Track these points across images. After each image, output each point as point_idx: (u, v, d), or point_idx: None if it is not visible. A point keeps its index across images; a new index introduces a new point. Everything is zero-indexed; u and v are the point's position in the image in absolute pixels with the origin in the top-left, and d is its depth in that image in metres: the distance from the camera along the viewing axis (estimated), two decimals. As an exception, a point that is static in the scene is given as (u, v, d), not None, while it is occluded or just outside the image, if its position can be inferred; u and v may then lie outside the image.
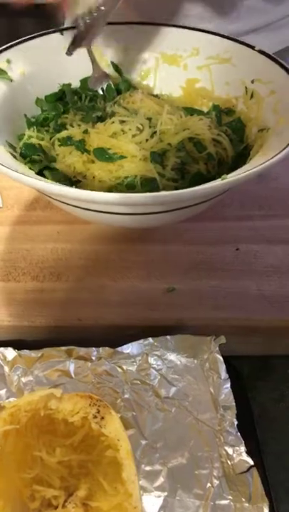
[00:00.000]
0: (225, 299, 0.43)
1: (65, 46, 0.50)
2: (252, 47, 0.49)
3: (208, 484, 0.34)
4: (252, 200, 0.53)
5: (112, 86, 0.52)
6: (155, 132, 0.44)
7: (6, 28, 0.96)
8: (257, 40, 0.60)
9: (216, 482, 0.34)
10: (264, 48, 0.49)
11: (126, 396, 0.38)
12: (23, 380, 0.38)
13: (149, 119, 0.46)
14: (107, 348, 0.40)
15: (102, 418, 0.33)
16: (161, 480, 0.34)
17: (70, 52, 0.47)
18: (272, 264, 0.46)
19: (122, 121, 0.45)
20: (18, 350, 0.39)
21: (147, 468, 0.34)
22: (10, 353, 0.39)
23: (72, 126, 0.46)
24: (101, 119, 0.47)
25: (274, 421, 0.40)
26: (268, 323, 0.42)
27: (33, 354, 0.39)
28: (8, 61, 0.48)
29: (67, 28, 0.52)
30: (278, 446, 0.38)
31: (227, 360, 0.39)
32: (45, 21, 0.51)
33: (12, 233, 0.50)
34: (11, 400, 0.37)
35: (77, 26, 0.44)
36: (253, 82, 0.48)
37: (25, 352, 0.39)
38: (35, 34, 0.51)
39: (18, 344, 0.40)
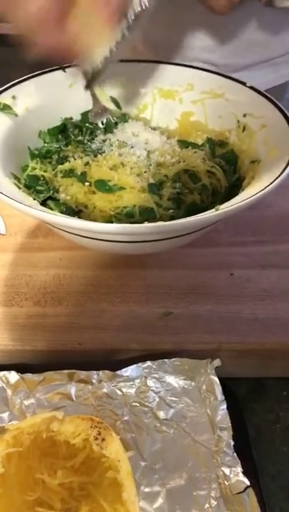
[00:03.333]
0: (220, 323, 0.45)
1: (67, 83, 0.54)
2: (243, 83, 0.52)
3: (207, 505, 0.34)
4: (245, 227, 0.55)
5: (112, 119, 0.55)
6: (152, 164, 0.47)
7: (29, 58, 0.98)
8: (257, 75, 0.64)
9: (213, 503, 0.35)
10: (264, 82, 0.52)
11: (125, 418, 0.39)
12: (26, 402, 0.39)
13: (146, 151, 0.49)
14: (107, 371, 0.41)
15: (103, 440, 0.34)
16: (160, 501, 0.35)
17: (88, 87, 0.48)
18: (265, 289, 0.48)
19: (121, 154, 0.47)
20: (20, 373, 0.41)
21: (146, 489, 0.35)
22: (13, 376, 0.40)
23: (74, 159, 0.48)
24: (101, 151, 0.49)
25: (269, 442, 0.41)
26: (261, 346, 0.43)
27: (36, 377, 0.40)
28: (14, 97, 0.50)
29: (69, 66, 0.55)
30: (274, 467, 0.39)
31: (223, 382, 0.40)
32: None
33: (15, 260, 0.51)
34: (14, 422, 0.38)
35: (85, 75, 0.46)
36: (245, 116, 0.51)
37: (28, 375, 0.41)
38: (39, 72, 0.54)
39: (20, 368, 0.41)
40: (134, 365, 0.41)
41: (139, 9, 0.41)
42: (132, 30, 0.41)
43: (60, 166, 0.49)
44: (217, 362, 0.41)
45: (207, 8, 0.52)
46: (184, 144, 0.52)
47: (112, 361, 0.43)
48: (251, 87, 0.51)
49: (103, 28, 0.38)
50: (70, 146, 0.51)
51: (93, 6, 0.36)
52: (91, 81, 0.46)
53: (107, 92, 0.57)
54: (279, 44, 0.64)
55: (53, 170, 0.49)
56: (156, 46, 0.61)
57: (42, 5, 0.35)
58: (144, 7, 0.40)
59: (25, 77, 0.52)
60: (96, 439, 0.34)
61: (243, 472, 0.35)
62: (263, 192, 0.38)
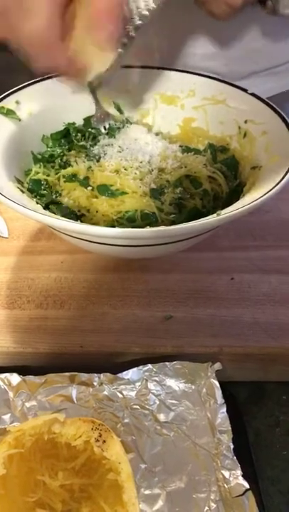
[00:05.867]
0: (220, 327, 0.45)
1: (70, 88, 0.54)
2: (244, 90, 0.53)
3: (206, 508, 0.35)
4: (246, 232, 0.56)
5: (114, 124, 0.55)
6: (154, 170, 0.47)
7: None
8: (258, 83, 0.64)
9: (213, 506, 0.35)
10: (265, 90, 0.52)
11: (126, 421, 0.39)
12: (27, 405, 0.40)
13: (148, 156, 0.49)
14: (108, 374, 0.41)
15: (104, 442, 0.34)
16: (160, 504, 0.35)
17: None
18: (265, 293, 0.49)
19: (123, 159, 0.48)
20: (22, 375, 0.41)
21: (146, 492, 0.35)
22: (15, 378, 0.41)
23: (77, 163, 0.49)
24: (104, 155, 0.50)
25: (269, 446, 0.41)
26: (261, 350, 0.43)
27: (37, 380, 0.41)
28: (17, 102, 0.51)
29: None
30: (273, 470, 0.39)
31: (223, 385, 0.40)
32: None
33: (18, 263, 0.52)
34: (15, 424, 0.39)
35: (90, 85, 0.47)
36: (246, 122, 0.52)
37: (30, 377, 0.41)
38: (42, 77, 0.54)
39: (22, 370, 0.42)
40: (135, 368, 0.41)
41: (140, 22, 0.41)
42: (130, 43, 0.42)
43: (63, 171, 0.49)
44: (218, 365, 0.41)
45: (207, 13, 0.52)
46: (185, 149, 0.53)
47: (113, 364, 0.43)
48: (252, 94, 0.52)
49: (101, 49, 0.39)
50: (72, 151, 0.52)
51: (90, 29, 0.37)
52: (95, 89, 0.47)
53: (110, 98, 0.57)
54: (280, 52, 0.65)
55: (56, 174, 0.49)
56: (158, 53, 0.62)
57: (41, 26, 0.35)
58: (147, 12, 0.41)
59: (29, 82, 0.53)
60: (97, 441, 0.35)
61: (242, 475, 0.36)
62: (263, 198, 0.39)
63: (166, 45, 0.64)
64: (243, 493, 0.35)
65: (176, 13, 0.58)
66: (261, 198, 0.38)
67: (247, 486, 0.35)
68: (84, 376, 0.41)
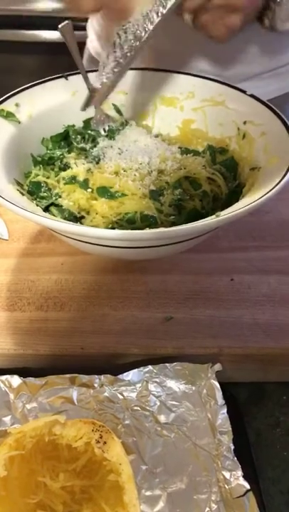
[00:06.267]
0: (220, 328, 0.45)
1: (70, 90, 0.55)
2: (243, 91, 0.53)
3: (207, 509, 0.35)
4: (246, 233, 0.56)
5: (114, 126, 0.55)
6: (153, 171, 0.47)
7: (38, 64, 1.00)
8: (259, 85, 0.64)
9: (214, 506, 0.35)
10: (266, 92, 0.52)
11: (126, 422, 0.39)
12: (28, 406, 0.40)
13: (148, 157, 0.49)
14: (108, 375, 0.41)
15: (105, 443, 0.35)
16: (161, 505, 0.35)
17: (84, 108, 0.51)
18: (265, 294, 0.49)
19: (122, 161, 0.48)
20: (23, 377, 0.41)
21: (147, 493, 0.36)
22: (15, 380, 0.41)
23: (77, 165, 0.49)
24: (103, 157, 0.50)
25: (269, 446, 0.41)
26: (261, 350, 0.44)
27: (38, 381, 0.41)
28: (17, 105, 0.51)
29: (71, 74, 0.56)
30: (274, 471, 0.40)
31: (223, 386, 0.41)
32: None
33: (18, 265, 0.52)
34: (16, 426, 0.39)
35: (91, 89, 0.48)
36: (245, 123, 0.52)
37: (30, 379, 0.41)
38: (42, 80, 0.55)
39: (23, 372, 0.42)
40: (136, 370, 0.42)
41: None
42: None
43: (62, 173, 0.49)
44: (218, 366, 0.41)
45: (206, 36, 0.52)
46: (184, 151, 0.53)
47: (114, 365, 0.43)
48: (251, 95, 0.52)
49: None
50: (72, 153, 0.52)
51: None
52: (91, 99, 0.48)
53: (109, 100, 0.58)
54: (281, 54, 0.65)
55: (56, 176, 0.50)
56: (158, 55, 0.62)
57: None
58: None
59: (29, 84, 0.53)
60: (98, 442, 0.35)
61: (243, 476, 0.36)
62: (263, 198, 0.39)
63: (167, 48, 0.64)
64: (244, 494, 0.35)
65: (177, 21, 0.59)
66: (260, 199, 0.39)
67: (248, 486, 0.35)
68: (84, 378, 0.41)
